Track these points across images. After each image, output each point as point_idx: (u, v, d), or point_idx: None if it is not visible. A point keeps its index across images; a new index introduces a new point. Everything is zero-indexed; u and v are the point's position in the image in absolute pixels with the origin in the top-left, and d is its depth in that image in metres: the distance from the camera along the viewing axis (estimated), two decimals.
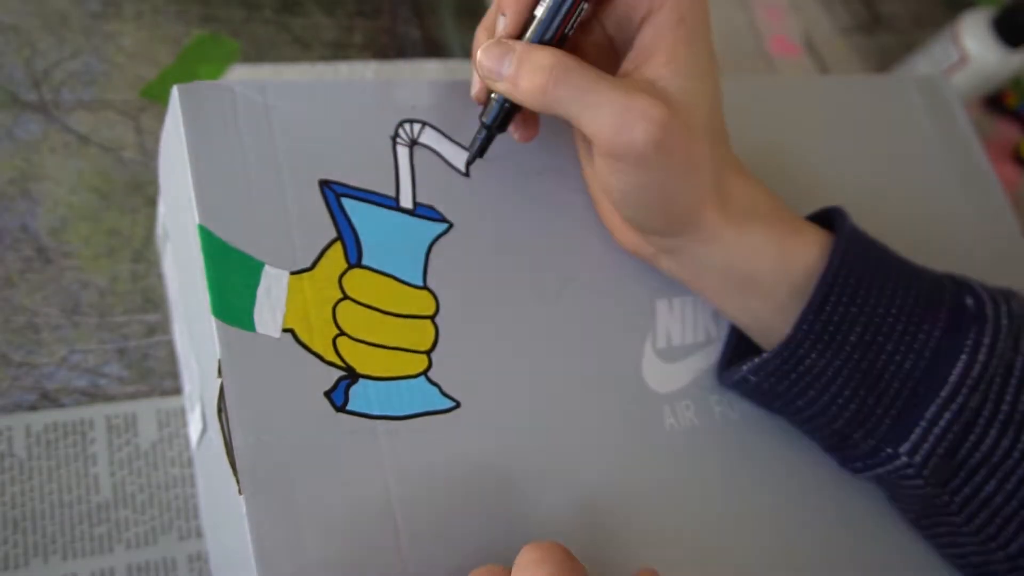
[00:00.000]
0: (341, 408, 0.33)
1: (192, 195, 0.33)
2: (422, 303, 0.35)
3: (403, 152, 0.37)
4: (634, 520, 0.36)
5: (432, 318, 0.35)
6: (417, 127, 0.38)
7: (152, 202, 0.46)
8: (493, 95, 0.36)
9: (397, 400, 0.34)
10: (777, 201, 0.38)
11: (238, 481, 0.30)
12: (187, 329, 0.37)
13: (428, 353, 0.35)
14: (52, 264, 0.43)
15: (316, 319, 0.33)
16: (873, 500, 0.41)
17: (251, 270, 0.33)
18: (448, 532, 0.33)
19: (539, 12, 0.34)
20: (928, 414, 0.35)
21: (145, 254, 0.45)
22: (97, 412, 0.41)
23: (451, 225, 0.37)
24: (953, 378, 0.35)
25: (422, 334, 0.35)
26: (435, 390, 0.34)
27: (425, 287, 0.36)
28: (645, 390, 0.39)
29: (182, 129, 0.34)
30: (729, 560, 0.38)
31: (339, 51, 0.55)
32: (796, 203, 0.46)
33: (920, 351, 0.36)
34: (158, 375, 0.43)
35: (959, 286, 0.37)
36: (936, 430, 0.35)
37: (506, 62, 0.33)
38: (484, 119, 0.36)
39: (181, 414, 0.42)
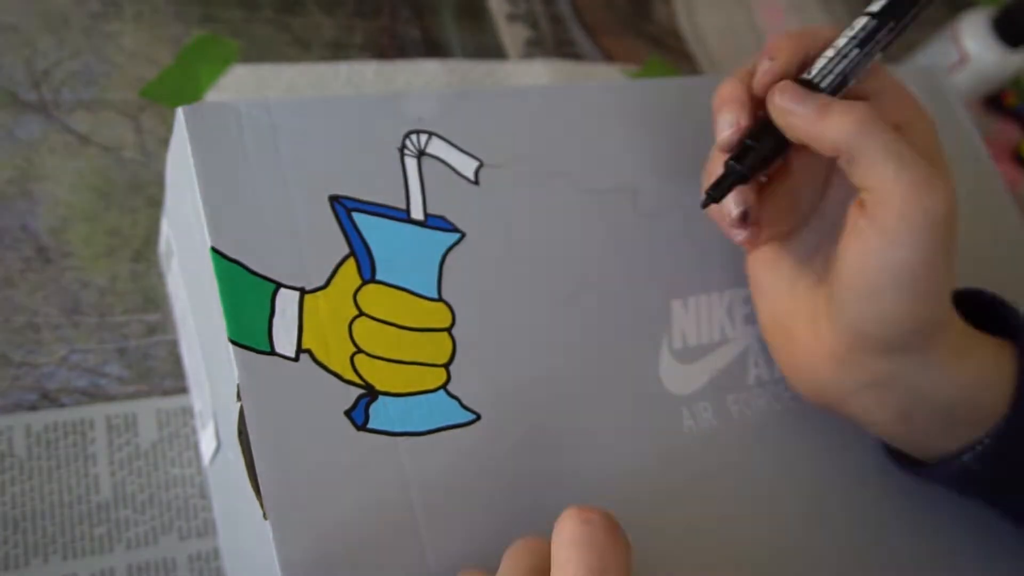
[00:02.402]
0: (362, 427, 0.33)
1: (203, 218, 0.33)
2: (438, 316, 0.35)
3: (411, 163, 0.37)
4: (656, 523, 0.36)
5: (448, 330, 0.35)
6: (424, 138, 0.37)
7: (152, 202, 0.46)
8: (749, 142, 0.35)
9: (418, 415, 0.33)
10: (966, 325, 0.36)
11: (263, 506, 0.30)
12: (198, 348, 0.37)
13: (446, 366, 0.35)
14: (52, 264, 0.43)
15: (333, 338, 0.33)
16: (895, 499, 0.41)
17: (265, 292, 0.33)
18: (474, 547, 0.33)
19: (827, 55, 0.35)
20: None
21: (145, 254, 0.45)
22: (97, 412, 0.41)
23: (463, 235, 0.37)
24: None
25: (439, 347, 0.35)
26: (455, 403, 0.34)
27: (440, 299, 0.36)
28: (663, 393, 0.39)
29: (189, 151, 0.34)
30: (750, 560, 0.38)
31: (339, 51, 0.55)
32: None
33: None
34: (158, 375, 0.43)
35: None
36: None
37: (809, 101, 0.33)
38: (733, 162, 0.35)
39: (181, 414, 0.42)
